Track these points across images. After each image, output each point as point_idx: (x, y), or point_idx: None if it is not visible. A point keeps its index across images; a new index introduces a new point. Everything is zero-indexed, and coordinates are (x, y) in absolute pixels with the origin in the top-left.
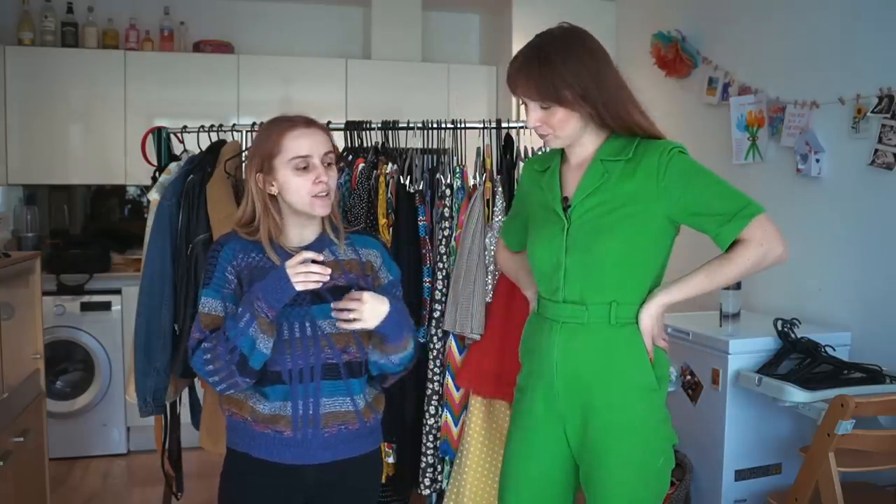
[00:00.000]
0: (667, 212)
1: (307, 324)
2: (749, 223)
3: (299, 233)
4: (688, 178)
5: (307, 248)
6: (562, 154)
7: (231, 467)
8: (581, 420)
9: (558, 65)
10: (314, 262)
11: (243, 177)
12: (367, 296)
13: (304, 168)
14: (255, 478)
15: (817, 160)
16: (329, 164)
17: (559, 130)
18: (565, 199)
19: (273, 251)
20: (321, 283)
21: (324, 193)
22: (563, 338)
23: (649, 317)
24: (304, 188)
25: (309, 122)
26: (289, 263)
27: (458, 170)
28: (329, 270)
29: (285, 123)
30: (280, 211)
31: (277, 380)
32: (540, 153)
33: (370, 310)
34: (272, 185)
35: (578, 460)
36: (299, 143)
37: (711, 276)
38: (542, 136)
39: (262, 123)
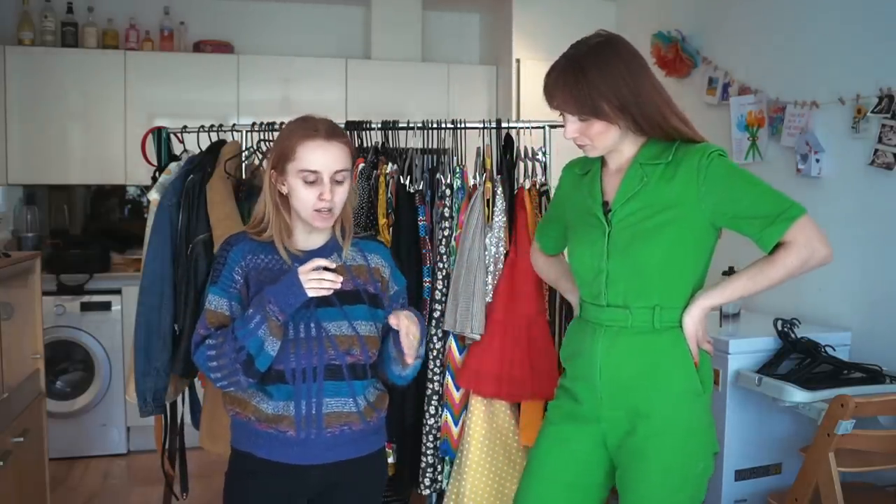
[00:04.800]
0: (707, 215)
1: (312, 325)
2: (791, 225)
3: (307, 236)
4: (728, 181)
5: (316, 252)
6: (602, 157)
7: (235, 467)
8: (625, 424)
9: (595, 77)
10: (326, 269)
11: (243, 176)
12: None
13: (312, 182)
14: (259, 477)
15: (817, 160)
16: (340, 182)
17: (597, 141)
18: (605, 203)
19: (286, 251)
20: (332, 291)
21: (326, 210)
22: (606, 341)
23: (693, 321)
24: (308, 200)
25: (330, 135)
26: (301, 269)
27: (457, 170)
28: (341, 278)
29: (307, 130)
30: (290, 211)
31: (280, 379)
32: (541, 152)
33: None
34: (283, 185)
35: (616, 462)
36: (312, 157)
37: (755, 279)
38: (580, 147)
39: (261, 124)
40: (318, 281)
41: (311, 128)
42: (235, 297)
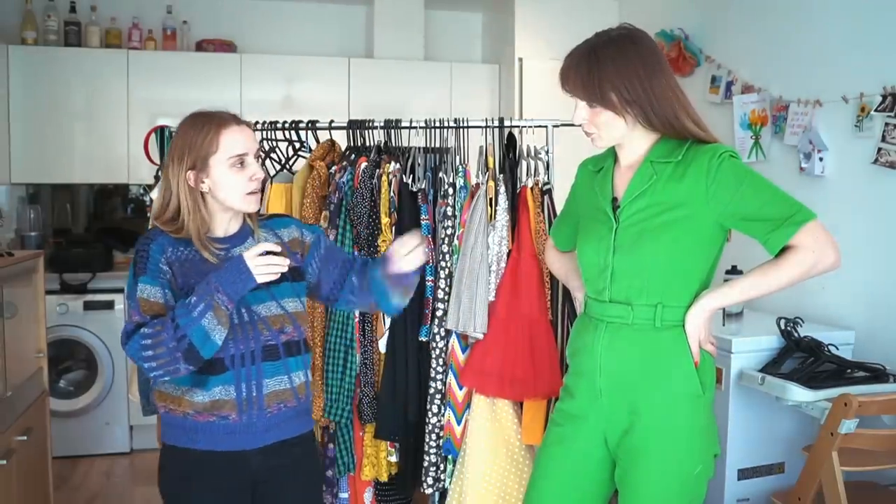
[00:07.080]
0: (715, 216)
1: (243, 310)
2: (799, 229)
3: (225, 226)
4: (738, 182)
5: (232, 238)
6: (615, 155)
7: (173, 466)
8: (624, 422)
9: (608, 67)
10: (272, 253)
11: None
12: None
13: (241, 165)
14: (201, 471)
15: (820, 159)
16: (258, 159)
17: (604, 131)
18: (615, 199)
19: (205, 248)
20: (279, 274)
21: (258, 190)
22: (607, 337)
23: (694, 321)
24: (239, 185)
25: (238, 119)
26: (247, 255)
27: (460, 169)
28: (287, 261)
29: (217, 121)
30: (208, 207)
31: (220, 366)
32: (544, 151)
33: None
34: (203, 183)
35: (616, 460)
36: (236, 141)
37: (759, 282)
38: (587, 135)
39: (263, 123)
40: (265, 266)
41: (219, 118)
42: (167, 286)
